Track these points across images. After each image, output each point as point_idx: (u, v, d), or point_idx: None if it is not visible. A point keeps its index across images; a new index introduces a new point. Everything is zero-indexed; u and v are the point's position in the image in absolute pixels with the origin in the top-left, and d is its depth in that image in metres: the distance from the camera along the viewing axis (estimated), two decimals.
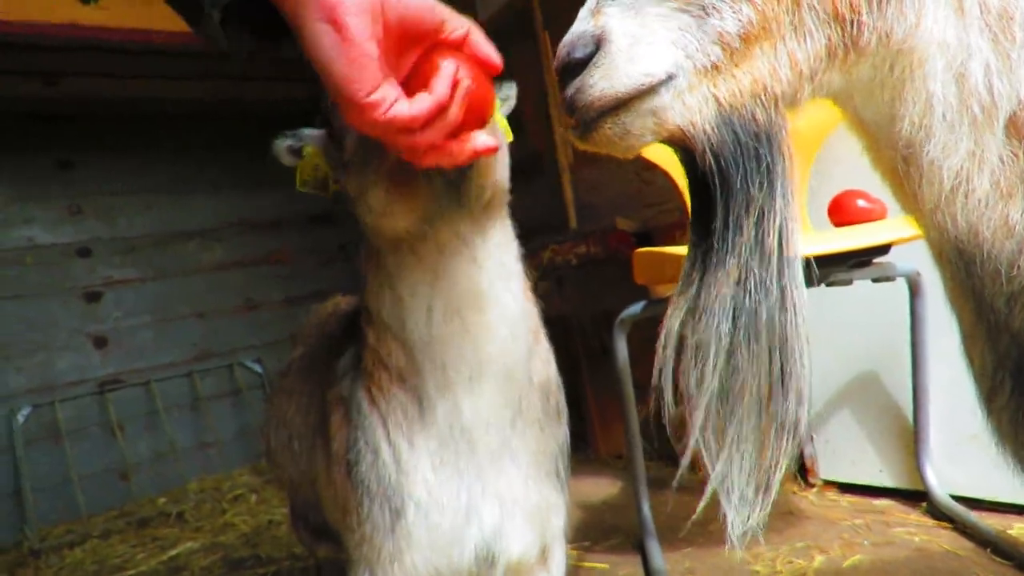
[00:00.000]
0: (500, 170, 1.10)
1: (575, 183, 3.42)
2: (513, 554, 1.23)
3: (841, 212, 2.00)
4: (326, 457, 1.35)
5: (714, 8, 0.68)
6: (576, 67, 0.71)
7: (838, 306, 2.47)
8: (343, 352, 1.36)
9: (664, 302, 2.20)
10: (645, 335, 3.51)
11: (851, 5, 0.69)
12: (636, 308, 2.13)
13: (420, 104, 0.75)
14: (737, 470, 0.75)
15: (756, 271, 0.69)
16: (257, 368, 4.57)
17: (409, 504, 1.19)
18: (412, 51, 0.78)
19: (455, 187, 1.02)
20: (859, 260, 1.90)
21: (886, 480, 2.40)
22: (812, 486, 2.61)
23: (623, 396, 2.25)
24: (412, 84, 0.78)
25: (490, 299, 1.13)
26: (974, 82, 0.70)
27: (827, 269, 1.90)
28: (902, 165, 0.76)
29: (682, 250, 1.84)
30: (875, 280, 2.08)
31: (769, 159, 0.69)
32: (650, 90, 0.69)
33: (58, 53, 3.32)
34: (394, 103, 0.73)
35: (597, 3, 0.72)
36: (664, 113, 0.69)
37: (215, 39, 0.70)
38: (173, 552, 3.27)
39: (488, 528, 1.20)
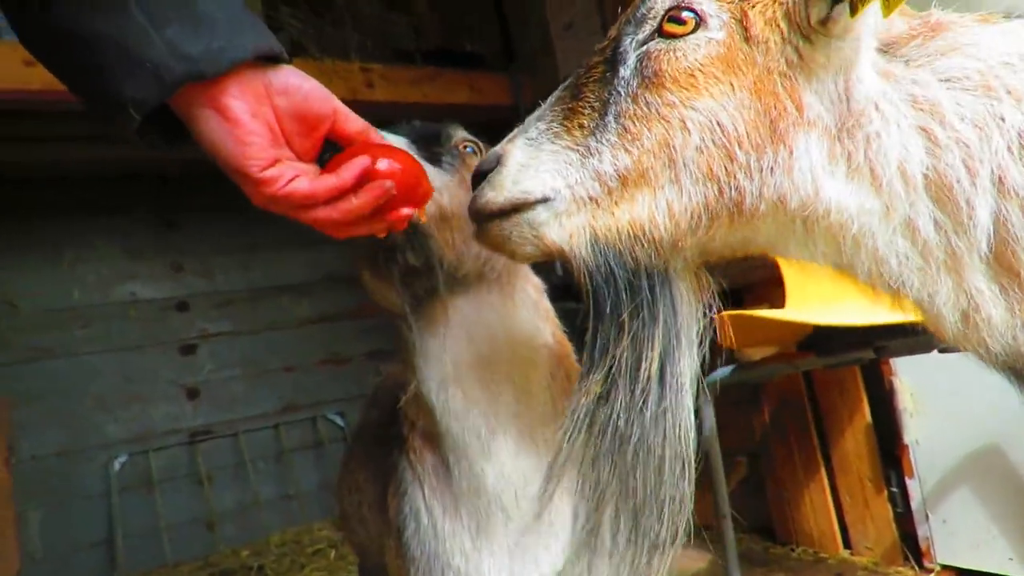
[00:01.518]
0: (471, 243, 1.07)
1: None
2: None
3: None
4: (387, 525, 1.35)
5: (596, 150, 0.77)
6: (483, 176, 0.83)
7: (955, 374, 2.25)
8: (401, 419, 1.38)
9: (754, 366, 2.06)
10: (733, 399, 3.35)
11: (725, 168, 0.73)
12: (723, 372, 2.00)
13: (322, 183, 0.80)
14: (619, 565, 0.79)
15: (625, 392, 0.75)
16: (339, 421, 4.61)
17: (448, 574, 1.19)
18: (311, 135, 0.82)
19: (417, 273, 1.07)
20: None
21: (1017, 570, 2.12)
22: (928, 572, 2.35)
23: (711, 464, 2.10)
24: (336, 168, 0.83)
25: (493, 368, 1.15)
26: (926, 235, 0.71)
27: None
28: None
29: (770, 313, 1.72)
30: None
31: (648, 295, 0.75)
32: (526, 205, 0.79)
33: None
34: (291, 179, 0.78)
35: (515, 132, 0.85)
36: (541, 228, 0.78)
37: (127, 140, 0.76)
38: None
39: None
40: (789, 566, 2.66)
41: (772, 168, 0.73)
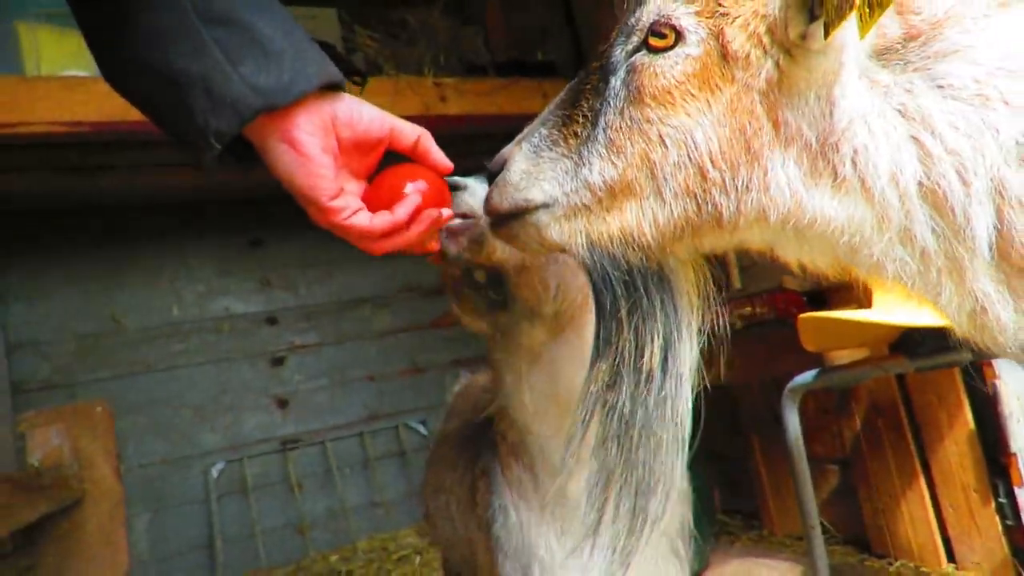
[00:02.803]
0: (548, 286, 1.21)
1: None
2: None
3: None
4: (476, 521, 1.49)
5: (587, 160, 0.81)
6: (494, 175, 0.90)
7: None
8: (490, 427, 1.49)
9: (841, 369, 1.98)
10: (820, 405, 3.22)
11: (701, 185, 0.75)
12: (808, 376, 1.93)
13: (380, 220, 0.89)
14: (608, 535, 0.87)
15: (630, 380, 0.82)
16: (422, 429, 4.69)
17: (534, 563, 1.33)
18: (369, 155, 0.92)
19: (499, 304, 1.17)
20: None
21: None
22: None
23: (796, 471, 2.03)
24: (377, 192, 0.93)
25: (570, 405, 1.21)
26: (924, 242, 0.70)
27: None
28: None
29: (851, 314, 1.65)
30: None
31: (645, 291, 0.82)
32: (528, 210, 0.85)
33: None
34: (355, 212, 0.88)
35: (522, 135, 0.90)
36: (544, 230, 0.85)
37: (207, 164, 0.85)
38: None
39: None
40: None
41: (747, 185, 0.74)
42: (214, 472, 4.21)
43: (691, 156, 0.75)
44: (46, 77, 3.08)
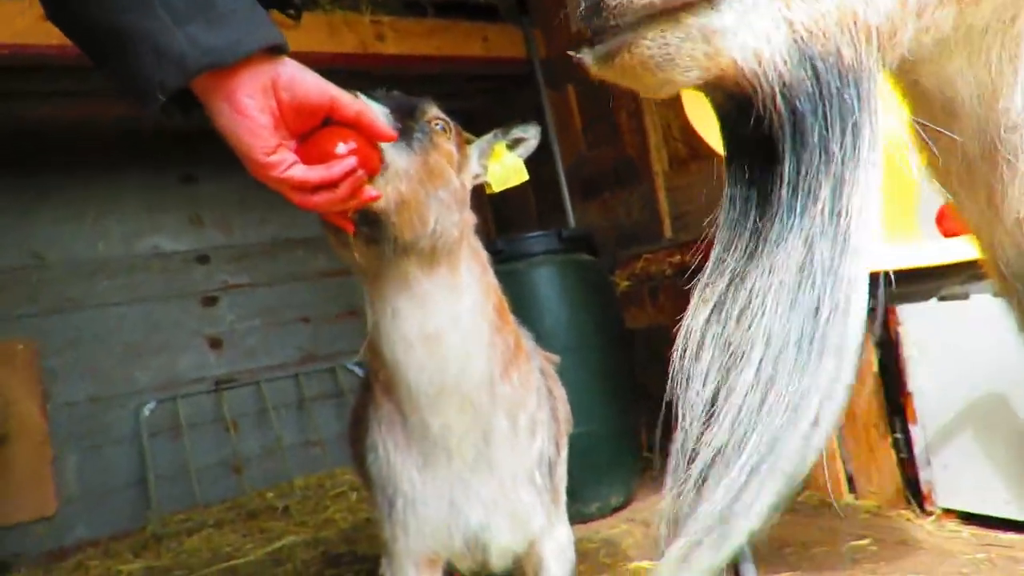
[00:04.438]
0: (427, 222, 1.21)
1: (669, 191, 3.34)
2: (501, 543, 1.44)
3: (952, 220, 1.85)
4: (358, 458, 1.58)
5: None
6: None
7: (955, 323, 2.28)
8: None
9: None
10: None
11: None
12: None
13: (314, 173, 0.94)
14: (710, 506, 0.53)
15: (824, 256, 0.51)
16: (358, 371, 4.72)
17: (398, 497, 1.41)
18: (311, 120, 0.95)
19: (375, 241, 1.16)
20: (975, 272, 1.75)
21: (1014, 512, 2.19)
22: (929, 514, 2.42)
23: None
24: (316, 148, 0.96)
25: (439, 339, 1.28)
26: None
27: (939, 282, 1.76)
28: (988, 158, 0.59)
29: None
30: (996, 294, 1.90)
31: (856, 111, 0.51)
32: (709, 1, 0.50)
33: None
34: (290, 166, 0.92)
35: None
36: (721, 39, 0.50)
37: (150, 113, 0.89)
38: (278, 544, 3.44)
39: (474, 523, 1.41)
40: (794, 509, 2.74)
41: None
42: (146, 411, 4.16)
43: None
44: None
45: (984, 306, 2.11)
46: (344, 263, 1.27)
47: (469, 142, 1.48)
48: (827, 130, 0.51)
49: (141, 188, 4.37)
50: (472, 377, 1.33)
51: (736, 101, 0.54)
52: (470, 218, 1.38)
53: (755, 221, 0.55)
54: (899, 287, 1.75)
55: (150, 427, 4.16)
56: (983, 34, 0.57)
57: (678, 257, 2.99)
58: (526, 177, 1.47)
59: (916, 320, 2.41)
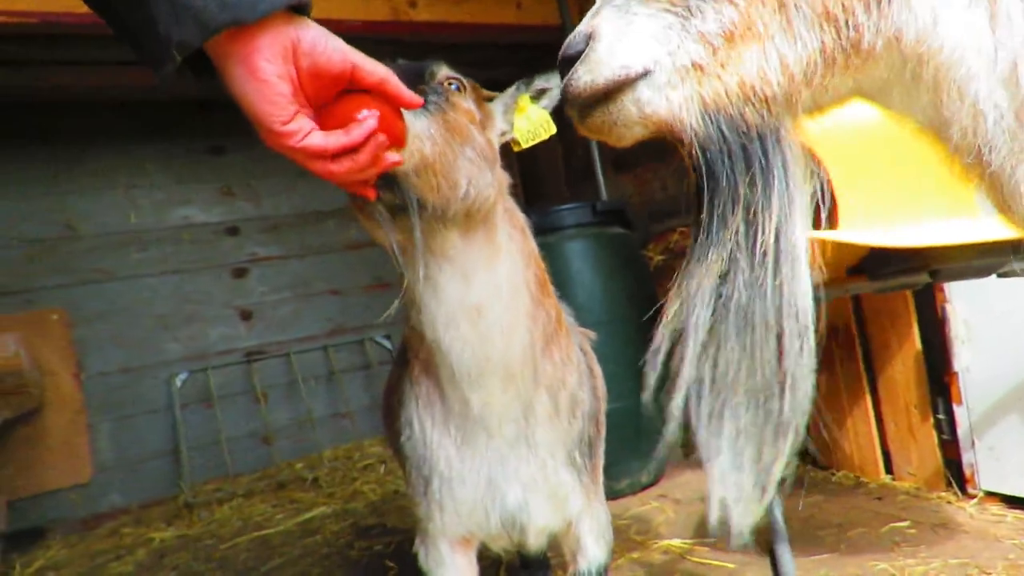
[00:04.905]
0: (457, 184, 1.13)
1: None
2: (539, 523, 1.41)
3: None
4: (393, 435, 1.54)
5: (697, 9, 0.70)
6: (571, 61, 0.77)
7: (1009, 300, 2.20)
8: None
9: None
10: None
11: (843, 5, 0.67)
12: None
13: (333, 139, 0.88)
14: (734, 466, 0.74)
15: (746, 267, 0.71)
16: (387, 344, 4.73)
17: (434, 476, 1.39)
18: (331, 89, 0.90)
19: (401, 208, 1.09)
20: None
21: None
22: (971, 497, 2.36)
23: None
24: (335, 117, 0.91)
25: (481, 312, 1.23)
26: None
27: (995, 259, 1.69)
28: (976, 173, 0.71)
29: (825, 234, 1.69)
30: None
31: (763, 158, 0.71)
32: (627, 82, 0.73)
33: None
34: (308, 134, 0.87)
35: (597, 6, 0.78)
36: (647, 106, 0.72)
37: (165, 78, 0.85)
38: (308, 515, 3.47)
39: (511, 503, 1.38)
40: (829, 489, 2.69)
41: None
42: (178, 382, 4.21)
43: None
44: None
45: None
46: (376, 239, 1.21)
47: (490, 99, 1.40)
48: (733, 173, 0.70)
49: (171, 159, 4.38)
50: (516, 352, 1.29)
51: (685, 149, 0.73)
52: (504, 178, 1.32)
53: (695, 237, 0.74)
54: (952, 264, 1.68)
55: (182, 397, 4.21)
56: (897, 83, 0.72)
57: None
58: (554, 130, 1.37)
59: (965, 295, 2.33)
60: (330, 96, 0.91)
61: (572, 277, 2.93)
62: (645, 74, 0.72)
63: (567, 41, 0.79)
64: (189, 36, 0.79)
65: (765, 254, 0.71)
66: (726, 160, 0.70)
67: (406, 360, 1.47)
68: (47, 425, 3.88)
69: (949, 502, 2.37)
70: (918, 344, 2.50)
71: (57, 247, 4.08)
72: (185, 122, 4.39)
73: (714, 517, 0.75)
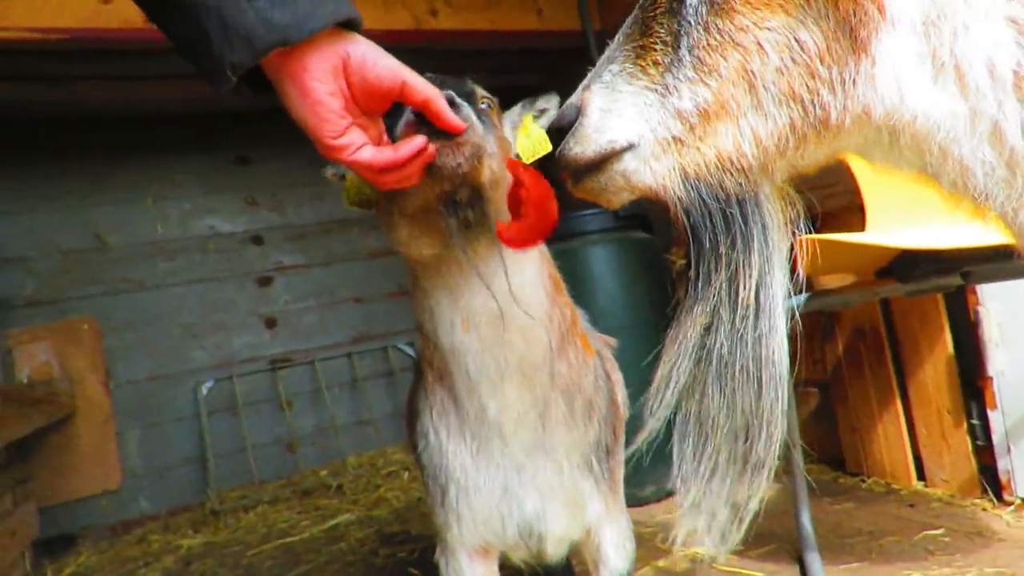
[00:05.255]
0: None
1: None
2: (556, 531, 1.41)
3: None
4: (412, 444, 1.55)
5: (674, 88, 0.75)
6: (564, 130, 0.83)
7: None
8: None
9: (830, 293, 2.01)
10: (805, 329, 3.28)
11: (807, 86, 0.71)
12: (798, 300, 1.96)
13: (381, 156, 0.92)
14: (711, 500, 0.81)
15: (728, 321, 0.77)
16: (410, 351, 4.74)
17: (451, 484, 1.40)
18: (383, 102, 0.93)
19: (468, 223, 1.14)
20: None
21: None
22: (1007, 504, 2.30)
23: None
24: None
25: (501, 314, 1.24)
26: (1013, 142, 0.66)
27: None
28: (983, 211, 0.74)
29: (854, 237, 1.66)
30: None
31: (741, 223, 0.76)
32: (614, 155, 0.79)
33: None
34: (359, 148, 0.91)
35: (588, 79, 0.84)
36: (633, 176, 0.79)
37: (222, 93, 0.88)
38: (333, 522, 3.49)
39: (529, 511, 1.38)
40: (859, 496, 2.64)
41: (855, 80, 0.70)
42: (204, 389, 4.26)
43: (795, 57, 0.71)
44: None
45: None
46: (400, 250, 1.24)
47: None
48: (715, 236, 0.76)
49: (197, 170, 4.45)
50: (534, 352, 1.30)
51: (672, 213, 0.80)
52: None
53: (685, 292, 0.80)
54: (984, 265, 1.65)
55: (208, 405, 4.26)
56: (876, 146, 0.76)
57: None
58: (549, 148, 1.43)
59: (998, 297, 2.28)
60: (384, 108, 0.95)
61: (594, 282, 2.91)
62: (629, 147, 0.78)
63: (559, 112, 0.86)
64: (240, 57, 0.82)
65: (746, 309, 0.76)
66: (708, 223, 0.76)
67: (420, 370, 1.48)
68: (77, 432, 3.94)
69: (984, 509, 2.31)
70: (950, 347, 2.45)
71: (88, 258, 4.15)
72: (211, 134, 4.45)
73: (678, 542, 0.85)
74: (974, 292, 2.33)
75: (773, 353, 0.78)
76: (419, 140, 0.95)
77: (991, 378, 2.32)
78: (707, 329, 0.78)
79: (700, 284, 0.78)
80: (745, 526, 0.82)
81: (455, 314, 1.26)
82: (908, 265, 1.63)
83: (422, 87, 0.94)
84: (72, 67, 3.29)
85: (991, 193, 0.70)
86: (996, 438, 2.33)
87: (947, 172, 0.72)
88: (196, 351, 4.34)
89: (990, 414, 2.34)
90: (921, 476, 2.61)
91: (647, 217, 3.18)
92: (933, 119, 0.69)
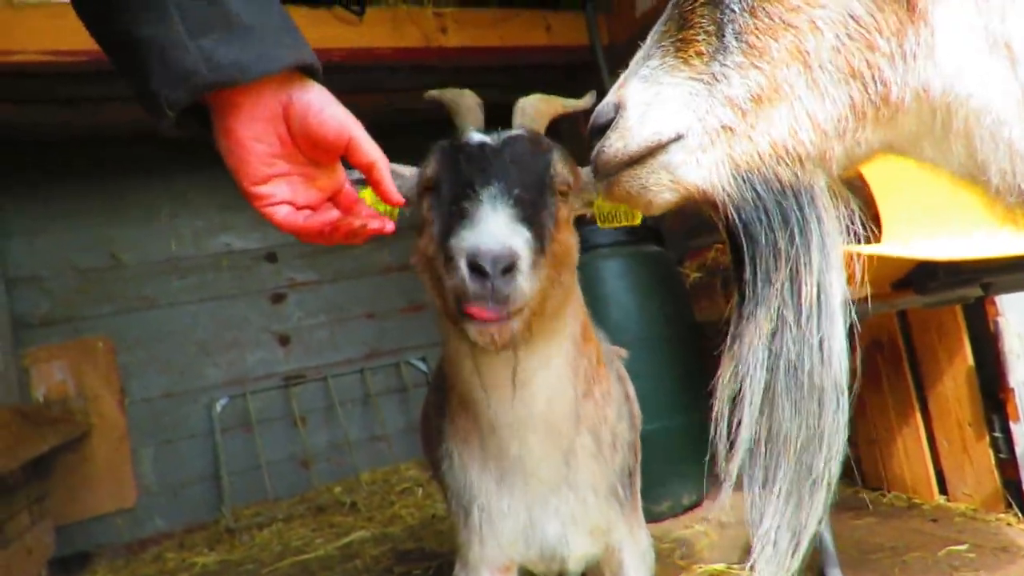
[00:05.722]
0: (547, 310, 1.16)
1: None
2: (578, 554, 1.41)
3: None
4: (434, 460, 1.57)
5: (722, 75, 0.71)
6: (601, 130, 0.79)
7: None
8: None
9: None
10: None
11: (868, 62, 0.68)
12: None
13: (292, 217, 0.88)
14: (776, 523, 0.75)
15: (792, 324, 0.71)
16: (422, 366, 4.74)
17: (474, 506, 1.39)
18: (331, 154, 0.88)
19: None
20: None
21: None
22: None
23: None
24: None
25: (528, 380, 1.23)
26: None
27: None
28: (1021, 212, 0.72)
29: (872, 248, 1.64)
30: None
31: (799, 216, 0.71)
32: (660, 147, 0.74)
33: None
34: (275, 204, 0.86)
35: (624, 78, 0.80)
36: (678, 170, 0.73)
37: (167, 130, 0.84)
38: (347, 539, 3.47)
39: (552, 537, 1.38)
40: (880, 511, 2.60)
41: (915, 52, 0.67)
42: (218, 407, 4.26)
43: (852, 32, 0.67)
44: (33, 3, 2.98)
45: None
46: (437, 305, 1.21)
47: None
48: (772, 232, 0.71)
49: (210, 188, 4.47)
50: (558, 408, 1.29)
51: (720, 214, 0.74)
52: (575, 260, 1.31)
53: (740, 298, 0.74)
54: (1005, 276, 1.63)
55: (222, 422, 4.26)
56: (929, 135, 0.71)
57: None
58: (638, 220, 1.39)
59: (1019, 311, 2.25)
60: (334, 160, 0.90)
61: (607, 296, 2.90)
62: (677, 138, 0.73)
63: (596, 111, 0.80)
64: (176, 94, 0.78)
65: (810, 309, 0.71)
66: (763, 218, 0.71)
67: (442, 388, 1.48)
68: (93, 450, 3.96)
69: (1009, 524, 2.26)
70: (970, 359, 2.41)
71: (103, 277, 4.18)
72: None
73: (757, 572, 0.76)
74: (993, 303, 2.30)
75: (835, 357, 0.73)
76: (331, 215, 0.89)
77: (1013, 389, 2.29)
78: (773, 335, 0.72)
79: (760, 285, 0.72)
80: (804, 550, 0.75)
81: (477, 370, 1.24)
82: (926, 276, 1.61)
83: (368, 148, 0.88)
84: (91, 88, 3.32)
85: None
86: (1020, 451, 2.29)
87: (998, 160, 0.68)
88: (209, 368, 4.35)
89: (1012, 427, 2.30)
90: (943, 490, 2.57)
91: (659, 230, 3.16)
92: (985, 96, 0.67)
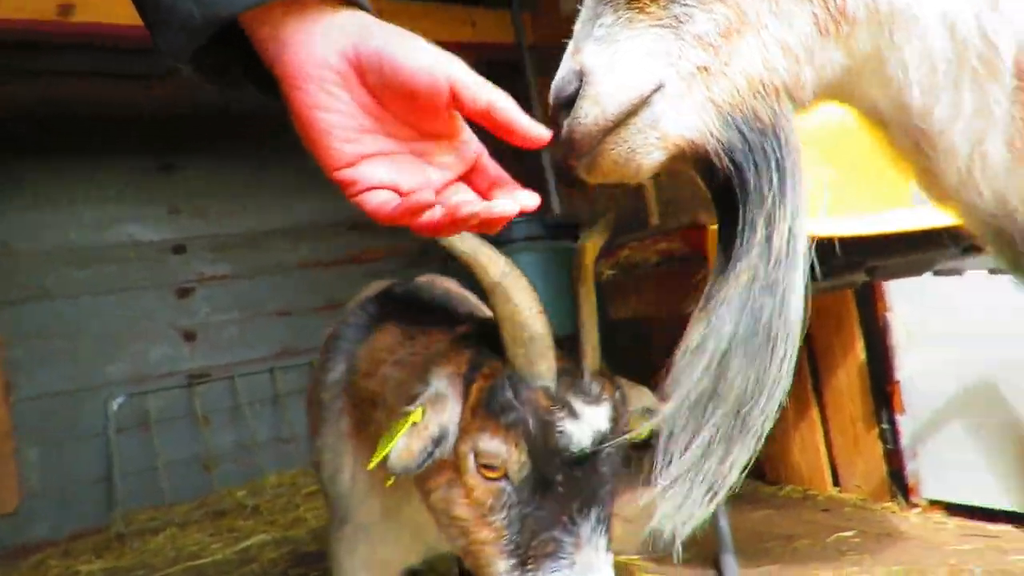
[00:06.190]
0: None
1: (656, 178, 3.28)
2: None
3: None
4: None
5: (686, 15, 0.68)
6: (567, 104, 0.72)
7: (948, 300, 2.22)
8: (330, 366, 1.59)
9: None
10: None
11: None
12: None
13: (391, 208, 0.67)
14: (696, 472, 0.70)
15: (763, 272, 0.68)
16: None
17: (353, 519, 1.46)
18: (433, 118, 0.67)
19: None
20: (971, 243, 1.68)
21: (1003, 502, 2.12)
22: (914, 506, 2.35)
23: None
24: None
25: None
26: (965, 31, 0.67)
27: (931, 253, 1.70)
28: (920, 144, 0.73)
29: None
30: (992, 271, 1.84)
31: (778, 155, 0.68)
32: (642, 103, 0.69)
33: (153, 56, 3.49)
34: (365, 190, 0.67)
35: (574, 44, 0.74)
36: (664, 124, 0.69)
37: (190, 74, 0.69)
38: (246, 543, 3.32)
39: (432, 540, 1.41)
40: (777, 504, 2.66)
41: None
42: (114, 405, 4.03)
43: None
44: None
45: (977, 284, 2.04)
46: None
47: None
48: (759, 175, 0.67)
49: (117, 175, 4.26)
50: None
51: (703, 166, 0.71)
52: None
53: (726, 251, 0.70)
54: (890, 260, 1.69)
55: (118, 422, 4.02)
56: (875, 54, 0.71)
57: (664, 245, 2.91)
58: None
59: (906, 302, 2.35)
60: (448, 124, 0.69)
61: None
62: (658, 88, 0.69)
63: (555, 86, 0.74)
64: (177, 45, 0.65)
65: (779, 258, 0.67)
66: (751, 162, 0.68)
67: (342, 396, 1.49)
68: None
69: (894, 512, 2.35)
70: (862, 354, 2.51)
71: None
72: (134, 137, 4.29)
73: (658, 524, 0.72)
74: (883, 299, 2.40)
75: (793, 306, 0.68)
76: (446, 199, 0.68)
77: (899, 382, 2.39)
78: (749, 284, 0.68)
79: (747, 235, 0.68)
80: (719, 500, 0.71)
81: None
82: (821, 258, 1.66)
83: (476, 89, 0.65)
84: None
85: (941, 97, 0.69)
86: (904, 442, 2.38)
87: (919, 74, 0.69)
88: (107, 365, 4.11)
89: (898, 419, 2.40)
90: (836, 482, 2.65)
91: (577, 227, 3.19)
92: (922, 4, 0.68)
